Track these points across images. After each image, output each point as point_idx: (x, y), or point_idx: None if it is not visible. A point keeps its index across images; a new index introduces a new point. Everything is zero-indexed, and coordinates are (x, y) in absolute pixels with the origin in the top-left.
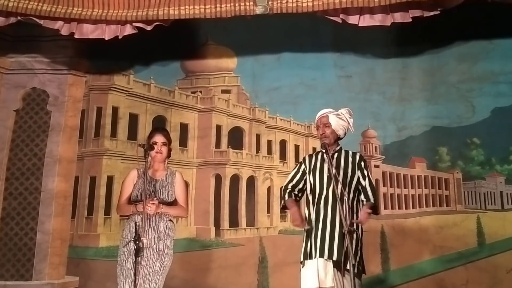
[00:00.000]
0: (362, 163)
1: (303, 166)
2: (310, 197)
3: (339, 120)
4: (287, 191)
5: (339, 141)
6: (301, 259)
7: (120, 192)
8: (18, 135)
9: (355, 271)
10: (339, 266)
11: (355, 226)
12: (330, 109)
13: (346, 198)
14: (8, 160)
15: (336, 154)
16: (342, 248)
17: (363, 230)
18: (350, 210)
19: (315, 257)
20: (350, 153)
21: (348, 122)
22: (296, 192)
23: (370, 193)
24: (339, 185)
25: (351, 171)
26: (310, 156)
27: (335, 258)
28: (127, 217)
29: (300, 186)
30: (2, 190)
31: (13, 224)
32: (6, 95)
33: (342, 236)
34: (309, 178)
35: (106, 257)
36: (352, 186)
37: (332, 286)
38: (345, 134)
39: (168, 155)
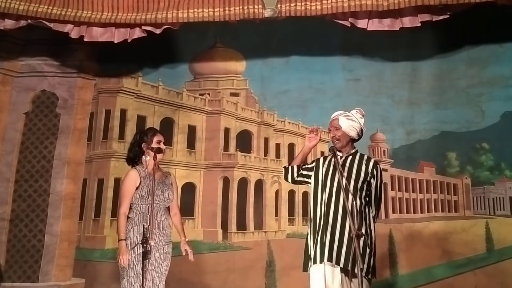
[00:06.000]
0: (375, 171)
1: (314, 164)
2: (318, 199)
3: (349, 121)
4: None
5: (354, 144)
6: (308, 264)
7: (122, 195)
8: (28, 138)
9: (364, 274)
10: (347, 271)
11: (363, 230)
12: (341, 111)
13: (355, 202)
14: (18, 162)
15: (350, 157)
16: (350, 255)
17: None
18: (358, 214)
19: (321, 262)
20: (365, 157)
21: (359, 122)
22: (300, 170)
23: (372, 205)
24: (349, 192)
25: (363, 177)
26: (325, 158)
27: (341, 265)
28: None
29: (305, 172)
30: (12, 192)
31: (22, 226)
32: (16, 97)
33: (350, 241)
34: (319, 179)
35: (112, 259)
36: (362, 191)
37: None
38: (358, 135)
39: None
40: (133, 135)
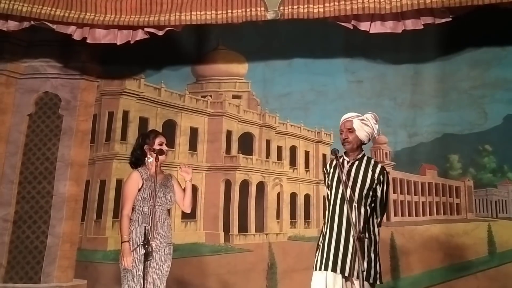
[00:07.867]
0: (381, 177)
1: (327, 180)
2: (327, 204)
3: (363, 126)
4: None
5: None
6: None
7: (125, 197)
8: (31, 139)
9: (371, 281)
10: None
11: (366, 234)
12: (355, 114)
13: (357, 205)
14: (21, 164)
15: (356, 163)
16: (354, 263)
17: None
18: (362, 221)
19: (325, 269)
20: (372, 162)
21: (373, 128)
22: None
23: (378, 210)
24: (353, 201)
25: (369, 184)
26: (330, 164)
27: (346, 274)
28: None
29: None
30: (15, 194)
31: (25, 228)
32: (20, 99)
33: (355, 250)
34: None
35: (114, 260)
36: (368, 198)
37: None
38: (369, 140)
39: None
40: (135, 137)
